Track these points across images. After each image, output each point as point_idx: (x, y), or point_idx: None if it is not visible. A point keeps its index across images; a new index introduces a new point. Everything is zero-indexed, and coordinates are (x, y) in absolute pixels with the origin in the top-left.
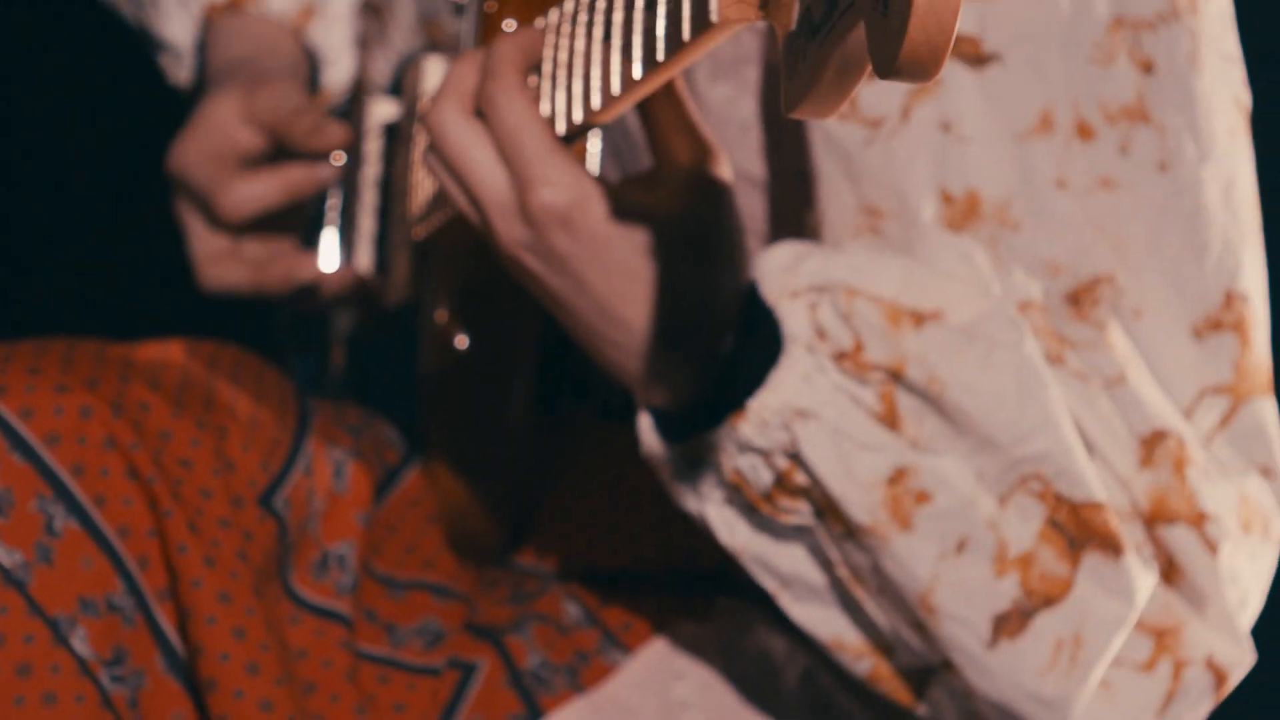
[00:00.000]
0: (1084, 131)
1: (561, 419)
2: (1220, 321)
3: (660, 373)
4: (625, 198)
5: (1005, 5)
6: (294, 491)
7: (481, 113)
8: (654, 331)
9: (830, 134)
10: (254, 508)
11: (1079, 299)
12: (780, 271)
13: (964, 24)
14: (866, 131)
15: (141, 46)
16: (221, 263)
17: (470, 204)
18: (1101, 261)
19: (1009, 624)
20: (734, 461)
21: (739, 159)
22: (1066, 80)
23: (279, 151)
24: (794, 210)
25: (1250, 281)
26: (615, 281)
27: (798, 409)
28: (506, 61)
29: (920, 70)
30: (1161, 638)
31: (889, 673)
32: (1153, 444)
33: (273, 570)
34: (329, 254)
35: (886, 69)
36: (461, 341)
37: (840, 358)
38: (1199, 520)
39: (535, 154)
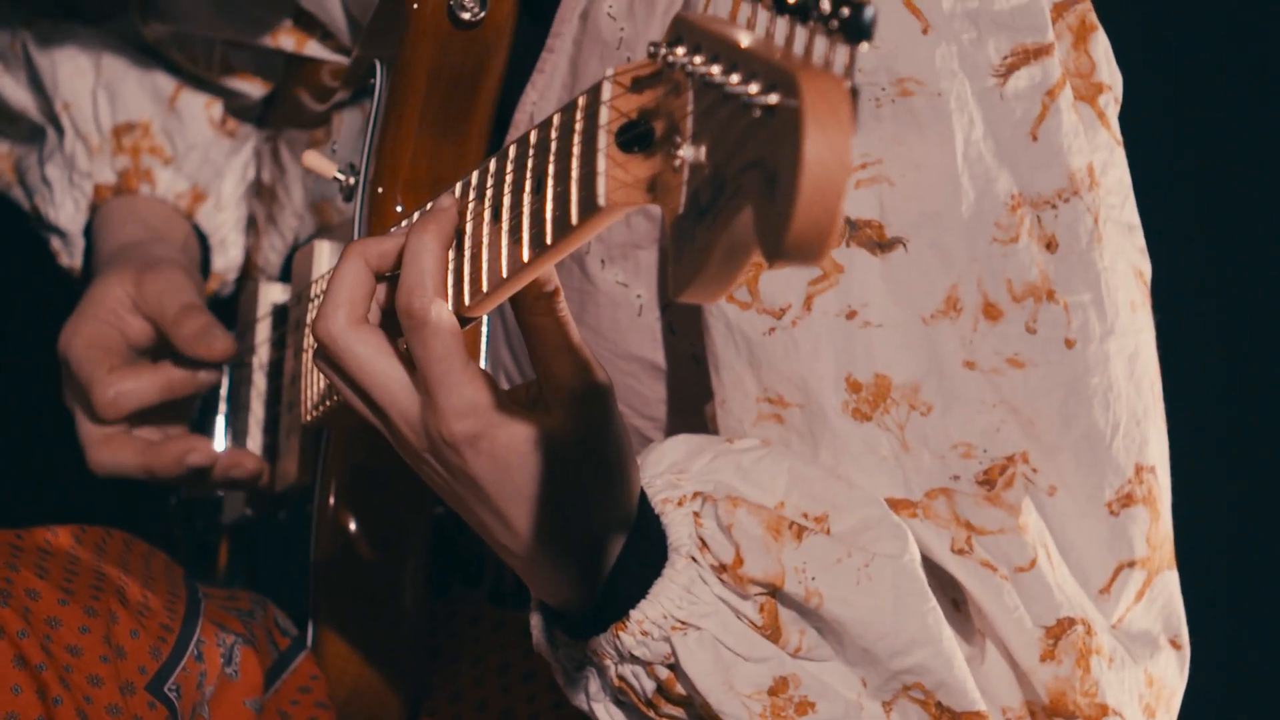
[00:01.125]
0: (991, 311)
1: (453, 603)
2: (1131, 495)
3: (551, 576)
4: (523, 422)
5: (906, 189)
6: (185, 677)
7: (382, 320)
8: (546, 540)
9: (731, 322)
10: (144, 694)
11: (992, 479)
12: (669, 470)
13: (865, 209)
14: (769, 320)
15: (35, 230)
16: (110, 445)
17: (371, 411)
18: (1014, 441)
19: None
20: (618, 668)
21: (634, 344)
22: (971, 261)
23: (166, 342)
24: (692, 397)
25: (1156, 452)
26: (512, 493)
27: (679, 620)
28: (433, 274)
29: (807, 253)
30: None
31: None
32: (1058, 633)
33: None
34: (219, 438)
35: (774, 252)
36: (351, 525)
37: (720, 570)
38: (1098, 714)
39: (448, 384)
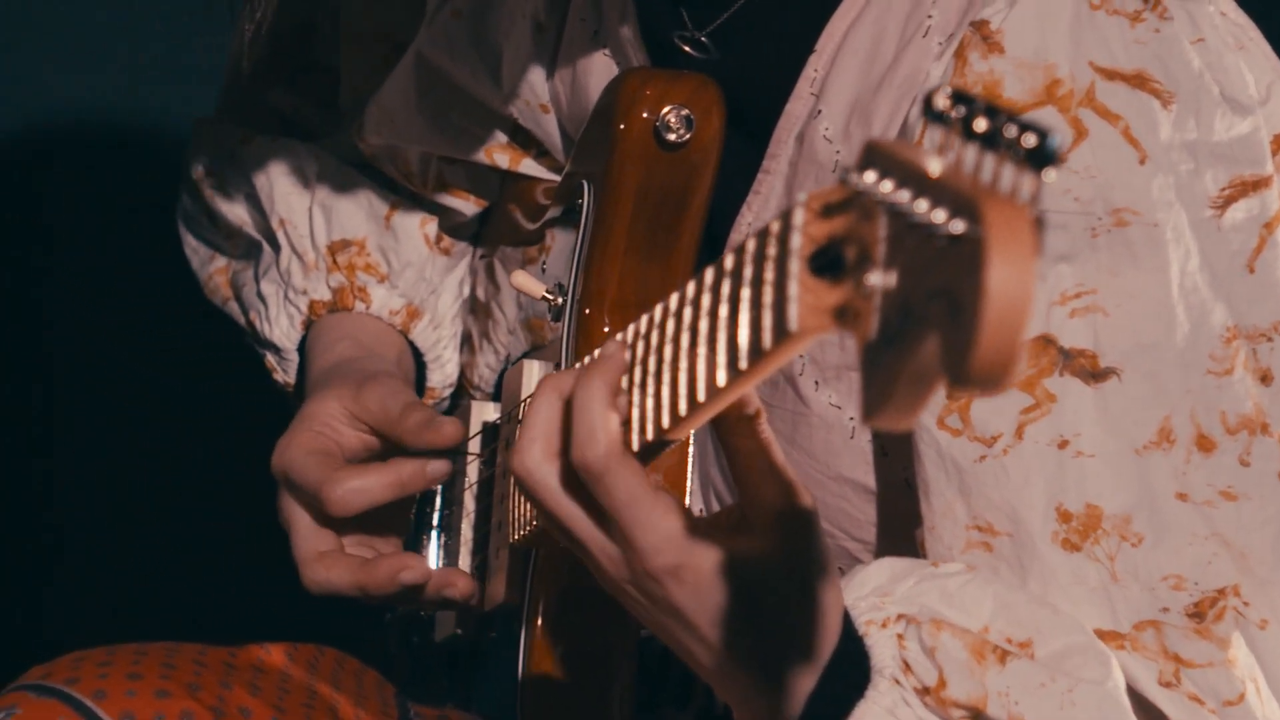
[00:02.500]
0: (1204, 444)
1: None
2: None
3: (754, 699)
4: (724, 547)
5: (1120, 319)
6: None
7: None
8: (750, 664)
9: (942, 449)
10: None
11: (1202, 612)
12: (874, 593)
13: (1079, 338)
14: (980, 448)
15: (249, 348)
16: (325, 562)
17: (571, 542)
18: (1225, 573)
19: None
20: None
21: (846, 466)
22: (1185, 393)
23: (386, 450)
24: (902, 521)
25: None
26: (715, 622)
27: None
28: (602, 422)
29: (991, 381)
30: None
31: None
32: None
33: None
34: (431, 556)
35: (958, 380)
36: (559, 645)
37: (924, 692)
38: None
39: (640, 524)
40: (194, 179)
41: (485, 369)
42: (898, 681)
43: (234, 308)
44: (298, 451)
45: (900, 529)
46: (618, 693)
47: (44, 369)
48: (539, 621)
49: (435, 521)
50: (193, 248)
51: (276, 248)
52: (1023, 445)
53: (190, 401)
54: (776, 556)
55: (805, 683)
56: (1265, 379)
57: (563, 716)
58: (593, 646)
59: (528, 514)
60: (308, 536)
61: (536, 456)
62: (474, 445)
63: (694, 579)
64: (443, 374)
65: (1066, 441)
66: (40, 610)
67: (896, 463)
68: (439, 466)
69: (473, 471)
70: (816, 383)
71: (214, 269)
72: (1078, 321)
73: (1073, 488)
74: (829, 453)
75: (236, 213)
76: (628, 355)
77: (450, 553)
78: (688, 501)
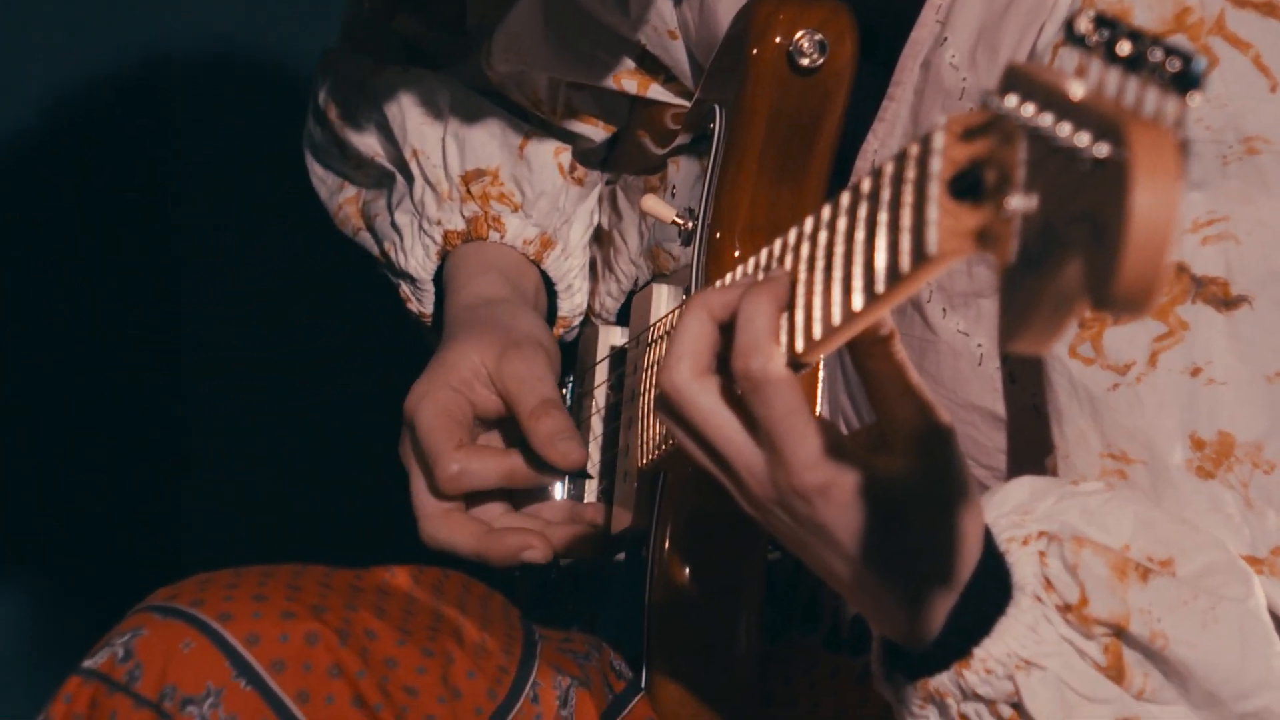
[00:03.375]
0: None
1: (789, 648)
2: None
3: (896, 615)
4: (867, 466)
5: (1252, 247)
6: (521, 719)
7: (731, 378)
8: (894, 581)
9: (1074, 378)
10: None
11: None
12: (1014, 511)
13: (1211, 266)
14: (1113, 376)
15: (383, 278)
16: (447, 521)
17: (715, 463)
18: None
19: None
20: (960, 707)
21: (974, 394)
22: None
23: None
24: (1032, 448)
25: None
26: (860, 540)
27: (1023, 659)
28: (764, 330)
29: (1135, 304)
30: None
31: None
32: None
33: None
34: (556, 488)
35: (1102, 303)
36: (686, 568)
37: (1065, 609)
38: None
39: (795, 438)
40: (322, 109)
41: (608, 297)
42: (1039, 599)
43: (366, 238)
44: (429, 408)
45: (1030, 456)
46: (745, 616)
47: (174, 295)
48: (666, 545)
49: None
50: (320, 178)
51: (410, 178)
52: (1156, 373)
53: (322, 329)
54: (917, 474)
55: (946, 599)
56: None
57: (690, 640)
58: (720, 570)
59: (657, 438)
60: (425, 492)
61: (685, 373)
62: (601, 370)
63: (840, 497)
64: (572, 303)
65: (1199, 369)
66: (169, 535)
67: (1025, 389)
68: (552, 478)
69: (600, 396)
70: (944, 310)
71: (344, 199)
72: (1210, 249)
73: (1205, 416)
74: (957, 380)
75: (368, 143)
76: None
77: (575, 476)
78: None
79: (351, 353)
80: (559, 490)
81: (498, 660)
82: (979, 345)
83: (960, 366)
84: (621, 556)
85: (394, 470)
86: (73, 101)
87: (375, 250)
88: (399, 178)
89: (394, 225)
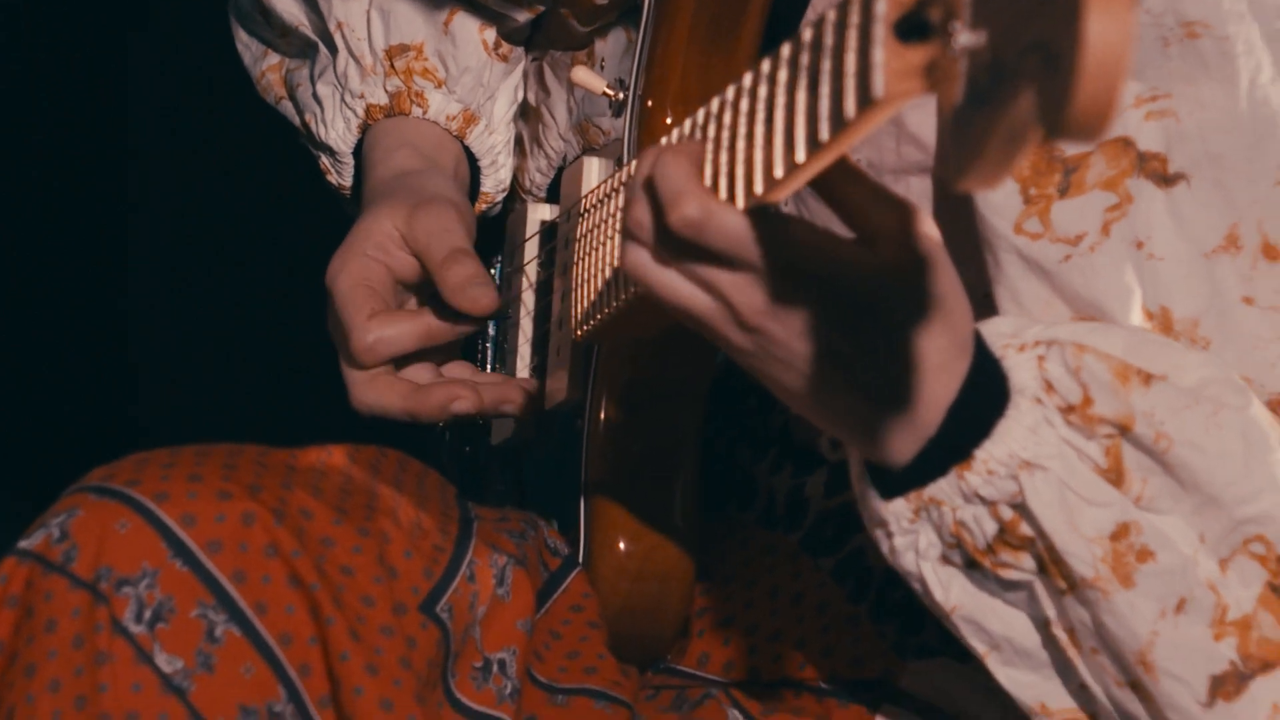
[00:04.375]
0: (1270, 252)
1: (725, 525)
2: None
3: (883, 422)
4: (855, 252)
5: (1191, 127)
6: (457, 598)
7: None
8: (882, 379)
9: (1025, 253)
10: (417, 615)
11: (1272, 412)
12: (1005, 333)
13: (1153, 142)
14: (1064, 248)
15: (305, 148)
16: (375, 385)
17: (711, 294)
18: None
19: (1225, 686)
20: (958, 513)
21: None
22: (1251, 202)
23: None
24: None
25: None
26: (848, 333)
27: (1024, 460)
28: (688, 179)
29: (1090, 129)
30: None
31: None
32: None
33: (435, 677)
34: (487, 358)
35: (1057, 128)
36: (623, 441)
37: (1068, 411)
38: None
39: (767, 244)
40: None
41: (537, 173)
42: (1040, 401)
43: (288, 107)
44: (346, 279)
45: None
46: (682, 490)
47: (118, 170)
48: (601, 417)
49: (491, 323)
50: (245, 43)
51: (333, 50)
52: (1110, 241)
53: (252, 205)
54: (906, 267)
55: (939, 401)
56: None
57: (627, 513)
58: (657, 442)
59: (592, 309)
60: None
61: (640, 253)
62: (531, 246)
63: (822, 285)
64: (496, 179)
65: (1142, 243)
66: (107, 414)
67: (963, 273)
68: (468, 327)
69: (531, 272)
70: None
71: (266, 66)
72: (1152, 125)
73: (1149, 288)
74: None
75: (292, 12)
76: (705, 143)
77: (508, 353)
78: None
79: (285, 228)
80: (488, 363)
81: (434, 539)
82: None
83: None
84: (555, 433)
85: (327, 346)
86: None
87: (296, 120)
88: (322, 49)
89: (316, 97)
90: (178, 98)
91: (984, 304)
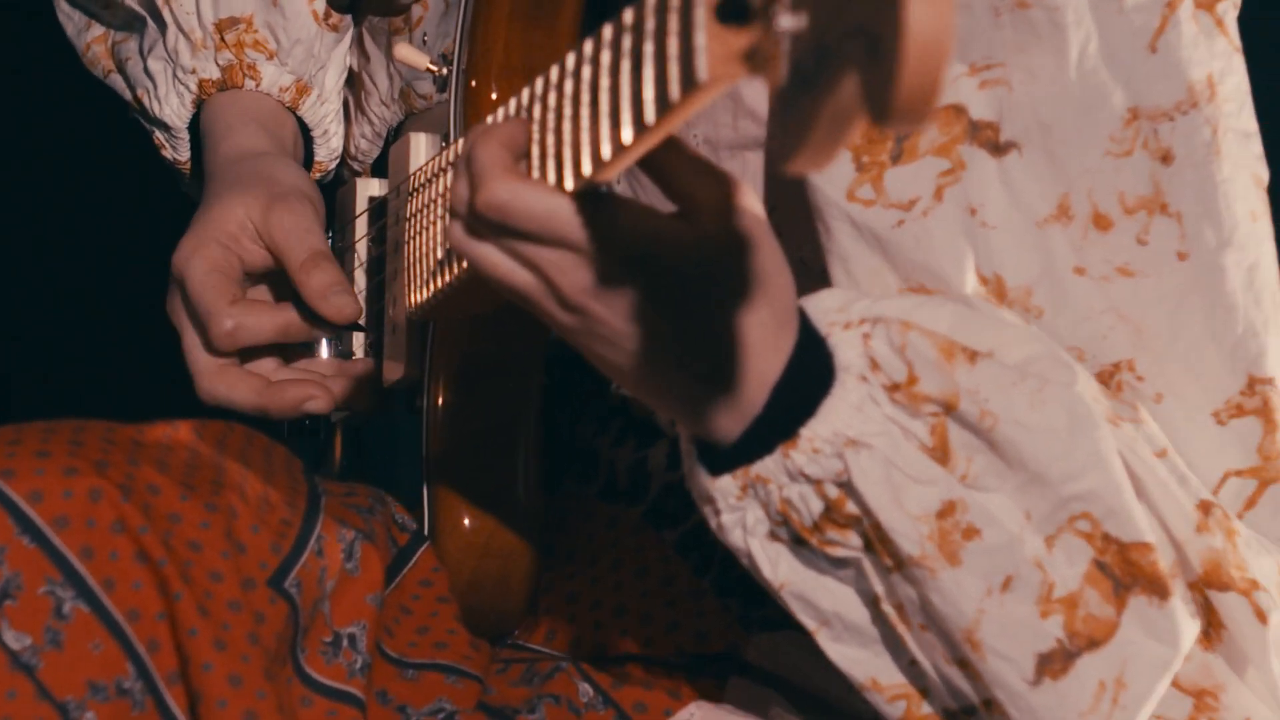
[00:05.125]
0: (1101, 222)
1: (566, 499)
2: (1242, 406)
3: (706, 400)
4: (669, 222)
5: (1021, 96)
6: (305, 573)
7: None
8: (702, 354)
9: (857, 220)
10: (265, 589)
11: (1104, 383)
12: (831, 309)
13: (985, 110)
14: (896, 214)
15: (138, 125)
16: (224, 376)
17: (529, 270)
18: (1121, 347)
19: (1052, 664)
20: (783, 491)
21: None
22: (1083, 172)
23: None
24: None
25: (1276, 365)
26: (664, 305)
27: (850, 438)
28: (492, 164)
29: (914, 115)
30: (1200, 698)
31: (922, 716)
32: (1205, 509)
33: (284, 652)
34: (323, 345)
35: (880, 115)
36: (462, 416)
37: (893, 389)
38: (1250, 588)
39: (577, 219)
40: None
41: (362, 140)
42: (864, 379)
43: (117, 80)
44: (200, 265)
45: None
46: (523, 464)
47: None
48: (440, 394)
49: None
50: (66, 14)
51: (162, 25)
52: (942, 206)
53: (88, 179)
54: (724, 238)
55: (764, 379)
56: (1166, 159)
57: (470, 490)
58: (496, 417)
59: (425, 287)
60: (199, 349)
61: (460, 231)
62: (360, 223)
63: (639, 250)
64: (328, 148)
65: (975, 210)
66: None
67: (789, 241)
68: (325, 332)
69: (362, 249)
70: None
71: (91, 38)
72: (985, 93)
73: (982, 255)
74: None
75: None
76: (529, 124)
77: (342, 333)
78: None
79: (119, 210)
80: (324, 349)
81: (281, 514)
82: None
83: None
84: (393, 409)
85: (167, 327)
86: None
87: (128, 95)
88: (150, 23)
89: (147, 72)
90: None
91: (799, 268)
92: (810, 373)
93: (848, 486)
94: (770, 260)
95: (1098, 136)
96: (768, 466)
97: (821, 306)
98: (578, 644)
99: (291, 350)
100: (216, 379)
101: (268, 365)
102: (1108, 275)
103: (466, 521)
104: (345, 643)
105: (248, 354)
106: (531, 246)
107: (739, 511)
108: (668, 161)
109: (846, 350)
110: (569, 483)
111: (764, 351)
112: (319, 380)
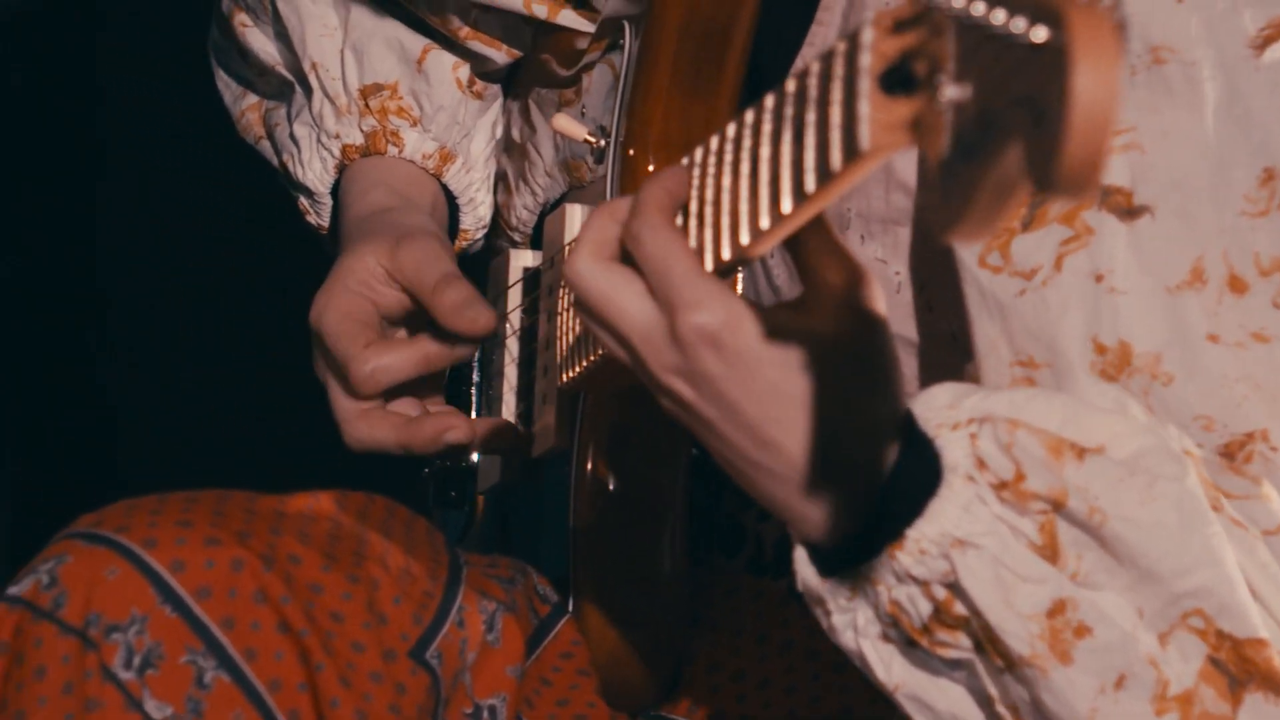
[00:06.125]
0: (1236, 285)
1: (711, 573)
2: None
3: (814, 501)
4: (776, 319)
5: (1155, 157)
6: (447, 644)
7: (626, 255)
8: (807, 457)
9: (985, 288)
10: (406, 661)
11: (1232, 453)
12: (941, 407)
13: (1116, 175)
14: (1020, 283)
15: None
16: (367, 420)
17: (618, 343)
18: (1255, 416)
19: None
20: (892, 593)
21: (891, 321)
22: (1218, 233)
23: (424, 310)
24: (947, 375)
25: None
26: (767, 405)
27: (957, 539)
28: (648, 201)
29: (1079, 185)
30: None
31: None
32: None
33: None
34: (472, 406)
35: (1046, 183)
36: (609, 489)
37: (1000, 487)
38: None
39: (681, 279)
40: (225, 15)
41: (523, 210)
42: (972, 479)
43: (266, 147)
44: (333, 315)
45: (944, 381)
46: (669, 538)
47: (91, 230)
48: (589, 466)
49: (476, 370)
50: (224, 82)
51: (309, 90)
52: (1061, 276)
53: (234, 248)
54: (838, 337)
55: (869, 483)
56: None
57: (615, 563)
58: (643, 491)
59: (577, 357)
60: (344, 396)
61: (586, 259)
62: (514, 293)
63: (738, 348)
64: (475, 216)
65: (1102, 276)
66: (95, 462)
67: (942, 317)
68: (465, 350)
69: (515, 319)
70: (862, 236)
71: (246, 106)
72: (1116, 158)
73: (1107, 322)
74: None
75: (268, 51)
76: (690, 176)
77: (493, 400)
78: None
79: (264, 274)
80: (473, 409)
81: (423, 585)
82: (896, 273)
83: None
84: (540, 481)
85: (314, 391)
86: None
87: (274, 160)
88: (298, 89)
89: (293, 137)
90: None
91: (949, 343)
92: (917, 474)
93: (955, 587)
94: (887, 359)
95: (1232, 196)
96: (875, 568)
97: (932, 405)
98: (720, 716)
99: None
100: (360, 423)
101: (410, 408)
102: (1242, 341)
103: (610, 593)
104: (486, 714)
105: (392, 396)
106: (630, 305)
107: (849, 613)
108: (809, 238)
109: (953, 450)
110: (714, 555)
111: (871, 454)
112: (458, 413)
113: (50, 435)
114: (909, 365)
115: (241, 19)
